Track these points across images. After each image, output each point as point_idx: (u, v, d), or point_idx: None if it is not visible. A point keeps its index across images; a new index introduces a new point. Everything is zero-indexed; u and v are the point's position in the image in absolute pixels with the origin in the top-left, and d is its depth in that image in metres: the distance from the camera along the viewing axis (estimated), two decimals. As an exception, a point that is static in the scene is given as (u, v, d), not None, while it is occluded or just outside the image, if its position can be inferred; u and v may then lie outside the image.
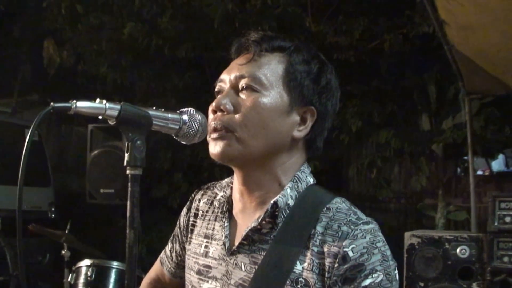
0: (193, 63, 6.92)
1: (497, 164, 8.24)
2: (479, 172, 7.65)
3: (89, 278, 3.67)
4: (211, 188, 1.48)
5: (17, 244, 1.08)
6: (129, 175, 1.10)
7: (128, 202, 1.09)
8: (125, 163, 1.10)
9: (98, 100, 1.09)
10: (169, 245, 1.58)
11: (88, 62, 7.08)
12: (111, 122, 1.11)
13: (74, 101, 1.06)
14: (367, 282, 1.14)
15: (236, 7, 6.01)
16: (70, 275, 3.81)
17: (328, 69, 1.33)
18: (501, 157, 8.09)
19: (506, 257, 3.51)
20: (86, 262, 3.77)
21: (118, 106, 1.10)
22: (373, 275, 1.14)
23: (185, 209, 1.51)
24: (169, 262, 1.58)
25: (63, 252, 4.06)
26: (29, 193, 6.81)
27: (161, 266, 1.62)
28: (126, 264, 1.09)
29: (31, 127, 1.03)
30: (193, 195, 1.51)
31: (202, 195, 1.48)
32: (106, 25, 6.88)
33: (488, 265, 3.54)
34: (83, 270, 3.74)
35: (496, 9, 3.60)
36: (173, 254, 1.56)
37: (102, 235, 7.74)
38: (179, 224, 1.52)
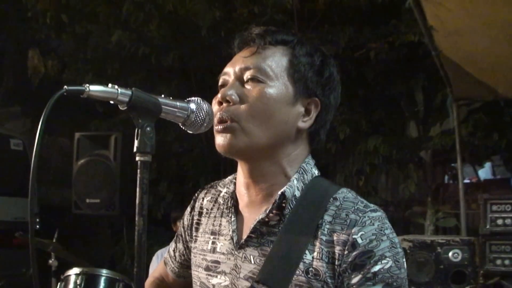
0: (180, 72, 6.91)
1: (484, 173, 8.34)
2: (466, 181, 7.71)
3: (78, 287, 3.58)
4: (214, 187, 1.49)
5: (30, 248, 1.07)
6: (139, 161, 1.10)
7: (138, 189, 1.09)
8: (134, 149, 1.10)
9: (110, 85, 1.10)
10: (173, 245, 1.58)
11: (73, 71, 7.02)
12: (122, 107, 1.11)
13: (87, 84, 1.07)
14: (376, 268, 1.15)
15: (223, 15, 6.03)
16: (59, 284, 3.71)
17: (331, 62, 1.35)
18: (487, 165, 8.19)
19: (498, 259, 3.51)
20: (75, 270, 3.67)
21: (129, 92, 1.10)
22: (382, 261, 1.16)
23: (188, 209, 1.51)
24: (172, 262, 1.58)
25: (50, 261, 3.98)
26: (13, 204, 6.71)
27: (164, 267, 1.62)
28: (135, 252, 1.08)
29: (43, 113, 1.02)
30: (196, 194, 1.51)
31: (206, 193, 1.48)
32: (92, 34, 6.84)
33: (480, 269, 3.54)
34: (72, 278, 3.63)
35: (484, 14, 3.65)
36: (177, 254, 1.56)
37: (88, 246, 7.63)
38: (183, 223, 1.52)
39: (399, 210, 7.02)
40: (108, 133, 5.33)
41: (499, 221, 3.55)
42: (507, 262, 3.49)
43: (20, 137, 7.20)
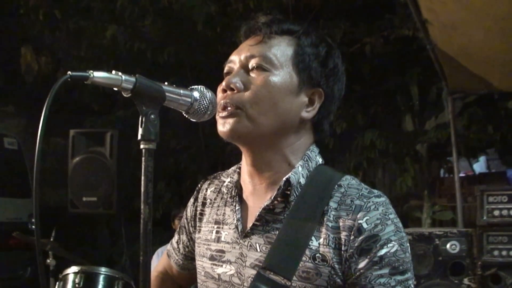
0: (175, 67, 6.89)
1: (479, 167, 8.38)
2: (462, 174, 7.74)
3: (77, 285, 3.55)
4: (218, 177, 1.49)
5: (36, 249, 1.10)
6: (143, 149, 1.09)
7: (142, 177, 1.08)
8: (139, 137, 1.09)
9: (114, 71, 1.09)
10: (176, 237, 1.57)
11: (68, 68, 6.96)
12: (126, 95, 1.11)
13: (91, 70, 1.06)
14: (382, 252, 1.17)
15: (218, 10, 6.02)
16: (57, 283, 3.69)
17: (336, 53, 1.36)
18: (482, 159, 8.23)
19: (496, 250, 3.53)
20: (74, 269, 3.64)
21: (133, 79, 1.10)
22: (388, 245, 1.18)
23: (191, 200, 1.51)
24: (176, 254, 1.57)
25: (48, 261, 3.96)
26: (9, 204, 6.66)
27: (168, 259, 1.60)
28: (141, 240, 1.07)
29: (47, 99, 1.01)
30: (199, 185, 1.51)
31: (209, 184, 1.48)
32: (86, 30, 6.81)
33: (478, 260, 3.55)
34: (71, 277, 3.60)
35: (478, 7, 3.65)
36: (180, 246, 1.55)
37: (85, 246, 7.61)
38: (186, 215, 1.51)
39: (396, 204, 7.03)
40: (103, 130, 5.30)
41: (496, 212, 3.56)
42: (504, 253, 3.51)
43: (14, 136, 7.15)
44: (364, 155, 6.46)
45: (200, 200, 1.47)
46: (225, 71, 1.34)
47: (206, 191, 1.47)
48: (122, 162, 5.07)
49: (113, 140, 5.01)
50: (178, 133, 6.99)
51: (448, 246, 3.59)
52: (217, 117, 1.28)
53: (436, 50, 4.27)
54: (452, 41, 4.13)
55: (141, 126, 1.09)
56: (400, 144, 6.49)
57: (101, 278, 3.63)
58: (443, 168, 7.60)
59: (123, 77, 1.08)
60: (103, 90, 6.90)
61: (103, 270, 3.68)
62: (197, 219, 1.45)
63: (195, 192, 1.51)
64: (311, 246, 1.20)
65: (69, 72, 1.03)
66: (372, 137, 6.26)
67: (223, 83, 1.29)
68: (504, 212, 3.54)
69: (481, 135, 6.43)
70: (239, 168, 1.39)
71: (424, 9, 3.85)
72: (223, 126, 1.26)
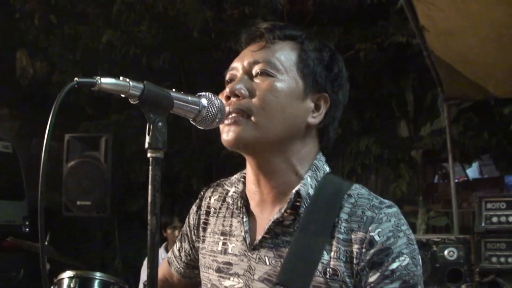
0: (170, 73, 6.87)
1: (471, 172, 8.39)
2: (455, 180, 7.75)
3: (72, 290, 3.52)
4: (221, 185, 1.44)
5: (40, 245, 1.07)
6: (150, 158, 1.06)
7: (149, 187, 1.05)
8: (146, 145, 1.06)
9: (121, 77, 1.06)
10: (177, 245, 1.53)
11: (63, 73, 6.94)
12: (133, 101, 1.07)
13: (99, 77, 1.03)
14: (394, 265, 1.14)
15: (214, 16, 6.02)
16: (52, 287, 3.66)
17: (339, 58, 1.33)
18: (475, 165, 8.25)
19: (494, 257, 3.51)
20: (69, 273, 3.62)
21: (141, 85, 1.06)
22: (400, 258, 1.14)
23: (194, 207, 1.47)
24: (177, 262, 1.53)
25: (42, 265, 3.92)
26: (3, 207, 6.63)
27: (168, 266, 1.57)
28: (148, 252, 1.05)
29: (53, 105, 0.99)
30: (202, 193, 1.47)
31: (212, 192, 1.44)
32: (81, 34, 6.78)
33: (476, 266, 3.53)
34: (66, 282, 3.58)
35: (475, 14, 3.66)
36: (182, 254, 1.51)
37: (78, 249, 7.56)
38: (189, 222, 1.47)
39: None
40: (98, 134, 5.28)
41: (494, 219, 3.54)
42: (502, 259, 3.48)
43: (9, 139, 7.13)
44: (358, 161, 6.45)
45: (203, 208, 1.43)
46: (226, 78, 1.31)
47: (210, 199, 1.43)
48: (116, 166, 5.05)
49: (108, 145, 4.99)
50: (171, 137, 6.96)
51: (445, 252, 3.57)
52: (221, 125, 1.24)
53: (433, 56, 4.28)
54: (448, 48, 4.15)
55: (148, 134, 1.05)
56: (395, 150, 6.49)
57: (96, 283, 3.61)
58: (438, 174, 7.62)
59: (131, 83, 1.05)
60: (98, 94, 6.88)
61: (98, 275, 3.65)
62: (201, 228, 1.41)
63: (197, 200, 1.47)
64: (322, 260, 1.17)
65: (76, 78, 1.01)
66: (368, 143, 6.26)
67: (227, 90, 1.25)
68: (503, 219, 3.52)
69: (476, 141, 6.45)
70: (243, 177, 1.34)
71: (421, 16, 3.86)
72: (227, 134, 1.23)
